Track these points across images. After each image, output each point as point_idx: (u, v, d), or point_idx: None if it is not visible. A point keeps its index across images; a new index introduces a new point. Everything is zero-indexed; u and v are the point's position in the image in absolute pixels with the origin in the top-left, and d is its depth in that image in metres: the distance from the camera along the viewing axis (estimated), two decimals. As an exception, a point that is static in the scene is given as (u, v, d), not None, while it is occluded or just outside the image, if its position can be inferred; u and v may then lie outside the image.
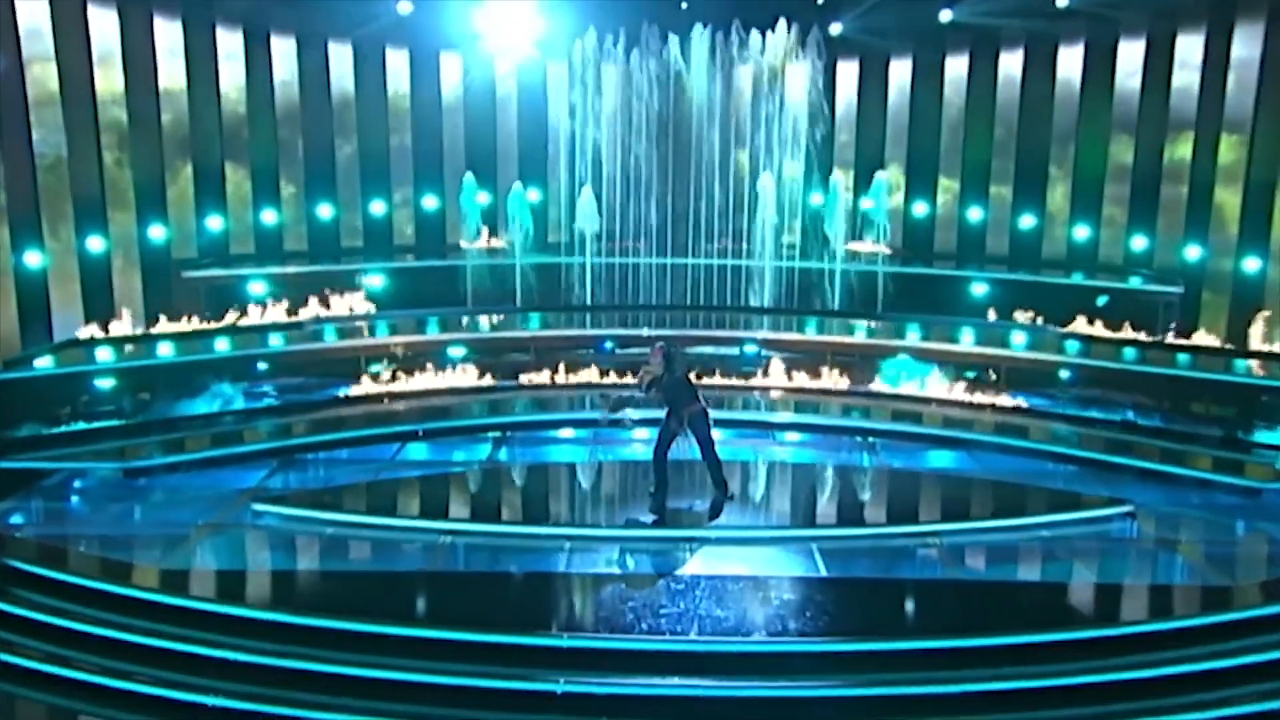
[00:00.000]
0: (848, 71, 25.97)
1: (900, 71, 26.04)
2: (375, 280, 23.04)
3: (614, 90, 24.00)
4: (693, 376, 13.70)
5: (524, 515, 13.59)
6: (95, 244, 20.85)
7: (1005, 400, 18.43)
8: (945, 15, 24.63)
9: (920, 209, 25.76)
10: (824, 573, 11.53)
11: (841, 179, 23.80)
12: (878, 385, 19.12)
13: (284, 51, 24.39)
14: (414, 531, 12.63)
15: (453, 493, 14.45)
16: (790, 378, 19.58)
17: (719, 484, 13.39)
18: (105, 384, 17.69)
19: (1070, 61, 24.35)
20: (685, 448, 13.79)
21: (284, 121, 24.72)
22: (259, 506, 12.95)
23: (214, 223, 23.83)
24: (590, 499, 14.33)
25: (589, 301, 23.16)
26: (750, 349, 19.93)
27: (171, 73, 22.57)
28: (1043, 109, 24.64)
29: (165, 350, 19.33)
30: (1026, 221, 25.08)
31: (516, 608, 10.70)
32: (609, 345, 19.88)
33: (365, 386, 18.80)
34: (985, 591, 11.43)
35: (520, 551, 12.17)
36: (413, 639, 10.22)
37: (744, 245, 24.00)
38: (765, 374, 19.58)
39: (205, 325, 20.91)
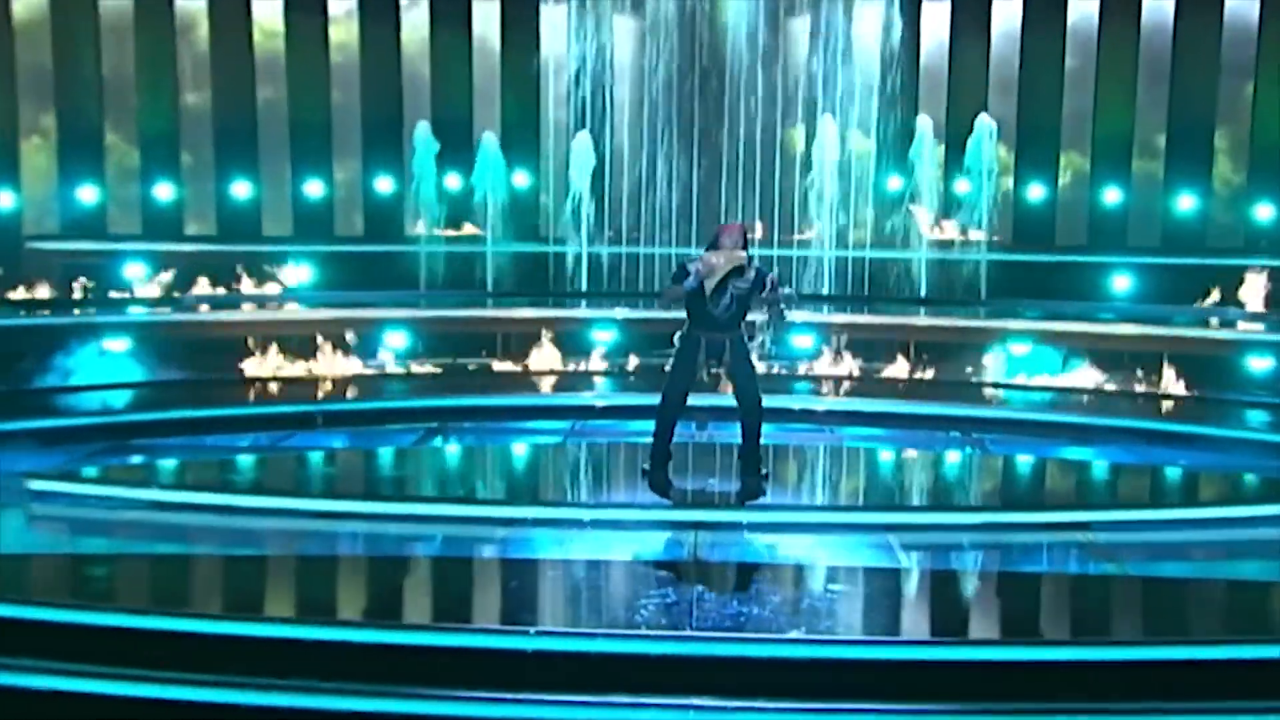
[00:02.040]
0: (936, 13, 20.96)
1: (1008, 11, 20.97)
2: (297, 274, 18.84)
3: (627, 35, 20.06)
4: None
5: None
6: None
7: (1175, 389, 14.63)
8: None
9: (1037, 192, 20.77)
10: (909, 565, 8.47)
11: (929, 142, 18.92)
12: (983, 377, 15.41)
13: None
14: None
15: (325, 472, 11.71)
16: (855, 369, 15.64)
17: (752, 464, 9.84)
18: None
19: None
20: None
21: (188, 73, 20.45)
22: (37, 484, 9.97)
23: (87, 194, 19.59)
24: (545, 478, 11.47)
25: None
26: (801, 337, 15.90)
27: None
28: (1204, 57, 20.13)
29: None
30: (1185, 204, 20.21)
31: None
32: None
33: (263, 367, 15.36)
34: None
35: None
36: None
37: (794, 232, 19.54)
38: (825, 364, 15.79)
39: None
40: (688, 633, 6.62)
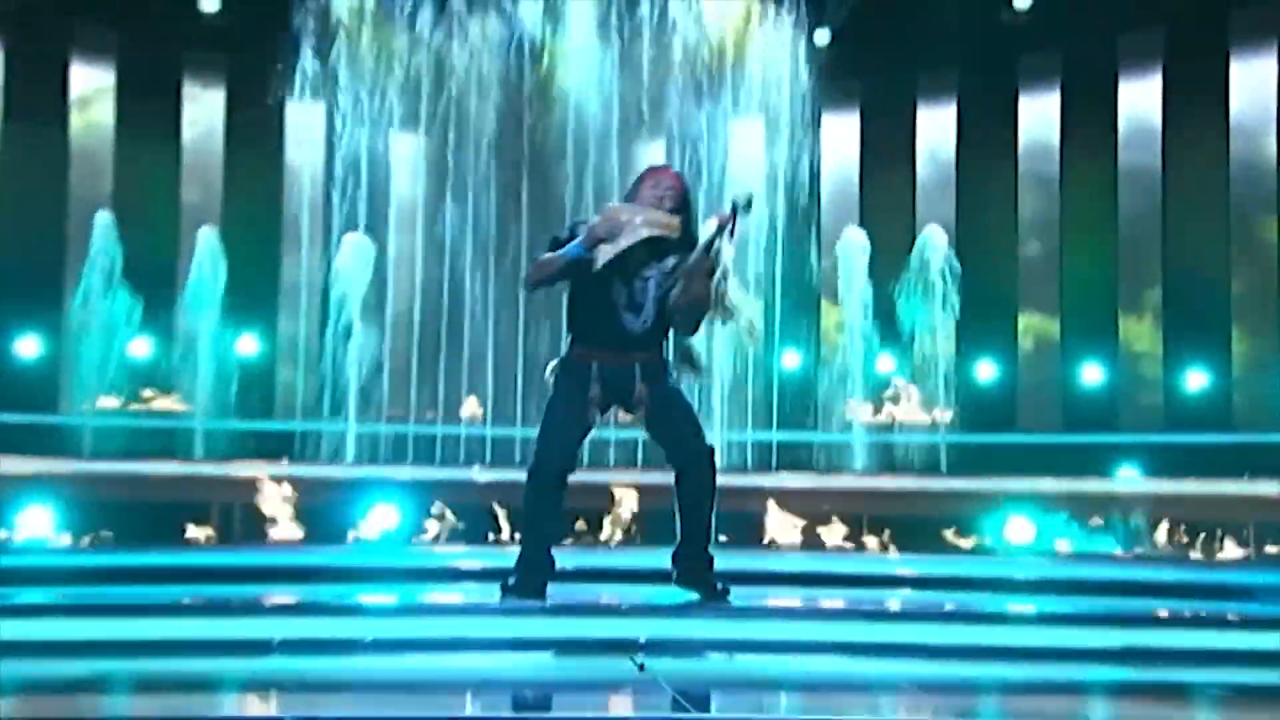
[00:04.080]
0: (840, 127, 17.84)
1: (935, 122, 18.33)
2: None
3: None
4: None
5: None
6: None
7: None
8: (1021, -1, 16.58)
9: (986, 371, 17.07)
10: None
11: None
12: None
13: None
14: None
15: None
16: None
17: (698, 572, 6.57)
18: None
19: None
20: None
21: None
22: None
23: None
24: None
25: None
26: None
27: None
28: (1209, 174, 16.95)
29: None
30: (1195, 381, 16.89)
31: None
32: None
33: None
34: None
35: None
36: None
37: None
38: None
39: None
40: None
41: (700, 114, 16.35)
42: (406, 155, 16.72)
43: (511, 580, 6.57)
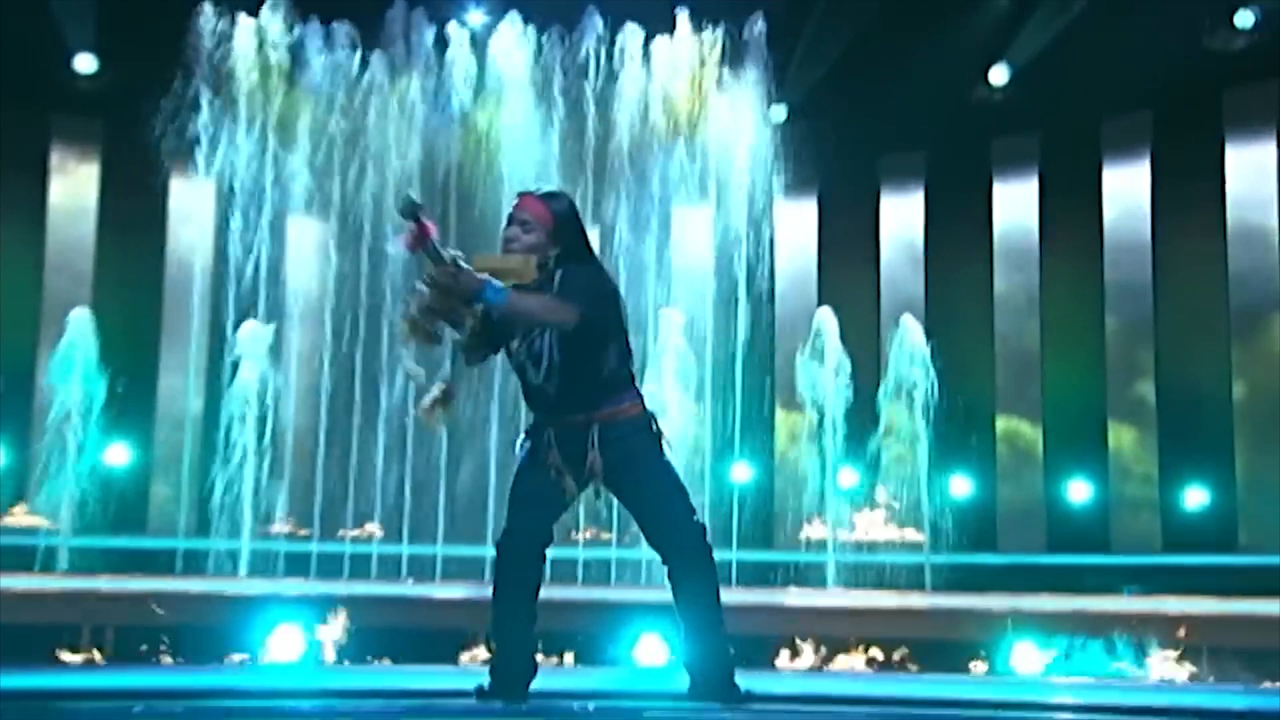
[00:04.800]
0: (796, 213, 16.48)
1: (901, 209, 17.21)
2: None
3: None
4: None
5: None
6: None
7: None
8: (997, 75, 15.53)
9: (960, 487, 15.58)
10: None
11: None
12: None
13: None
14: None
15: None
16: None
17: (713, 676, 5.64)
18: None
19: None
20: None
21: None
22: None
23: None
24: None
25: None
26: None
27: None
28: (1205, 269, 15.95)
29: None
30: (1194, 499, 15.69)
31: None
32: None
33: None
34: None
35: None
36: None
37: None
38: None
39: None
40: None
41: (644, 199, 15.02)
42: (309, 240, 15.19)
43: (487, 683, 5.73)
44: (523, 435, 5.81)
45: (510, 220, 5.62)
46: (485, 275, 5.26)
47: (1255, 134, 16.59)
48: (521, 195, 5.77)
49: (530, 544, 5.69)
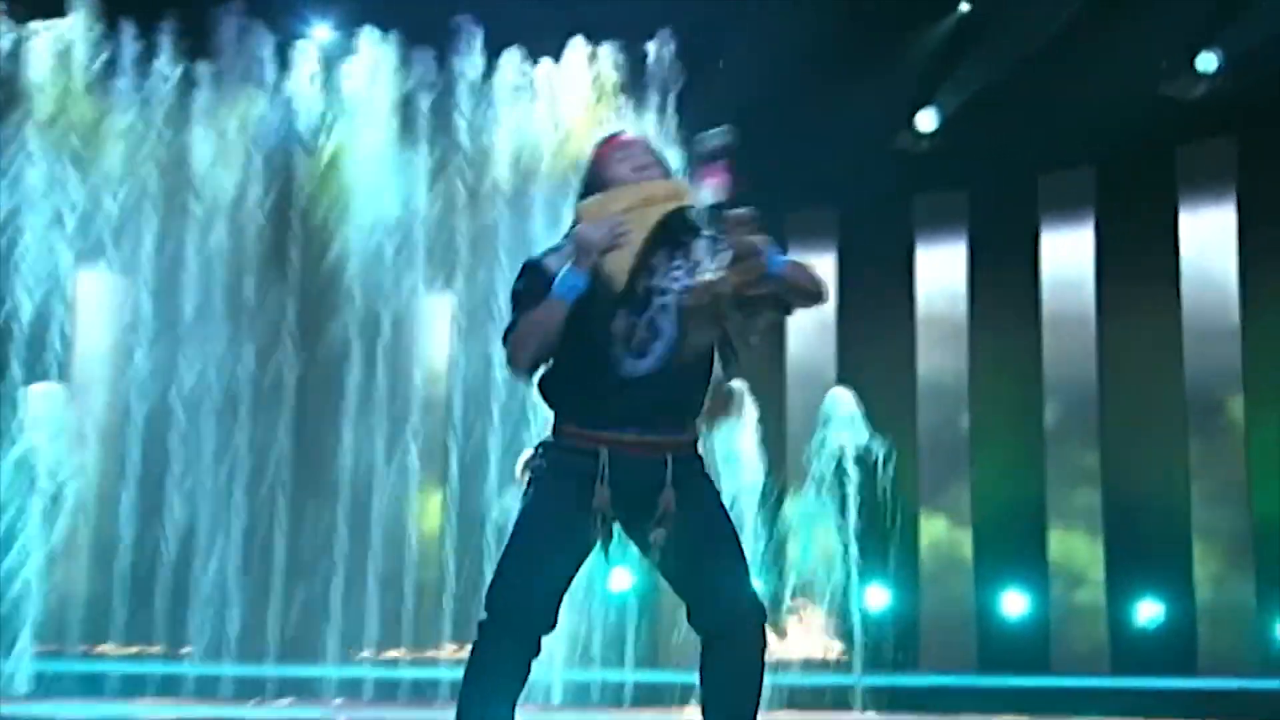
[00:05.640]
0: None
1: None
2: None
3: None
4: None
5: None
6: None
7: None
8: (924, 120, 14.58)
9: (877, 599, 14.47)
10: None
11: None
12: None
13: None
14: None
15: None
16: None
17: None
18: None
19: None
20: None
21: None
22: None
23: None
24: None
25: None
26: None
27: None
28: (1157, 346, 14.89)
29: None
30: (1147, 611, 14.80)
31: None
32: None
33: None
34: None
35: None
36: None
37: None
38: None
39: None
40: None
41: (511, 257, 13.49)
42: (113, 292, 13.26)
43: None
44: (539, 449, 4.57)
45: (628, 157, 4.36)
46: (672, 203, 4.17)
47: (1213, 194, 15.58)
48: (619, 136, 4.57)
49: (533, 626, 4.46)
